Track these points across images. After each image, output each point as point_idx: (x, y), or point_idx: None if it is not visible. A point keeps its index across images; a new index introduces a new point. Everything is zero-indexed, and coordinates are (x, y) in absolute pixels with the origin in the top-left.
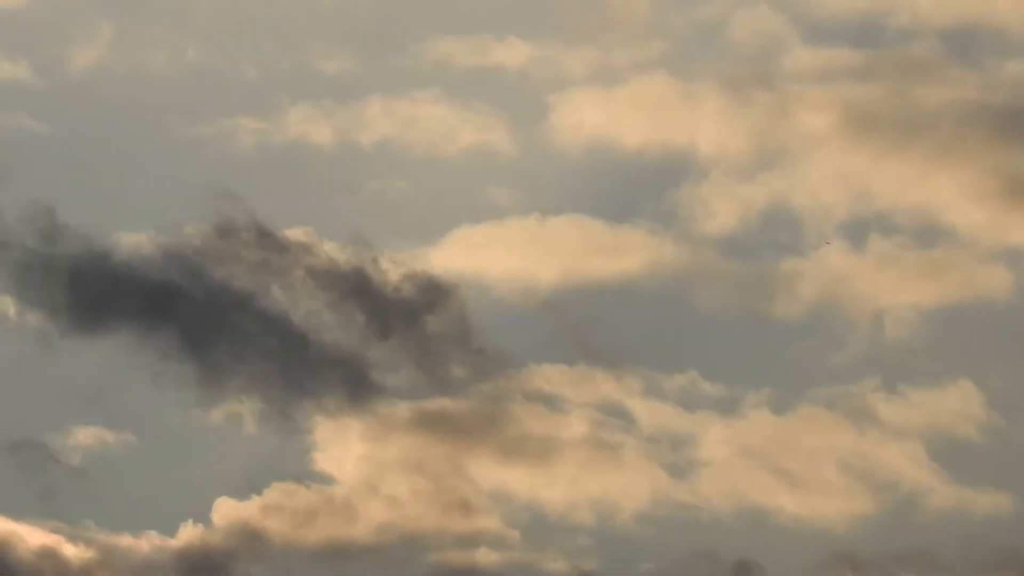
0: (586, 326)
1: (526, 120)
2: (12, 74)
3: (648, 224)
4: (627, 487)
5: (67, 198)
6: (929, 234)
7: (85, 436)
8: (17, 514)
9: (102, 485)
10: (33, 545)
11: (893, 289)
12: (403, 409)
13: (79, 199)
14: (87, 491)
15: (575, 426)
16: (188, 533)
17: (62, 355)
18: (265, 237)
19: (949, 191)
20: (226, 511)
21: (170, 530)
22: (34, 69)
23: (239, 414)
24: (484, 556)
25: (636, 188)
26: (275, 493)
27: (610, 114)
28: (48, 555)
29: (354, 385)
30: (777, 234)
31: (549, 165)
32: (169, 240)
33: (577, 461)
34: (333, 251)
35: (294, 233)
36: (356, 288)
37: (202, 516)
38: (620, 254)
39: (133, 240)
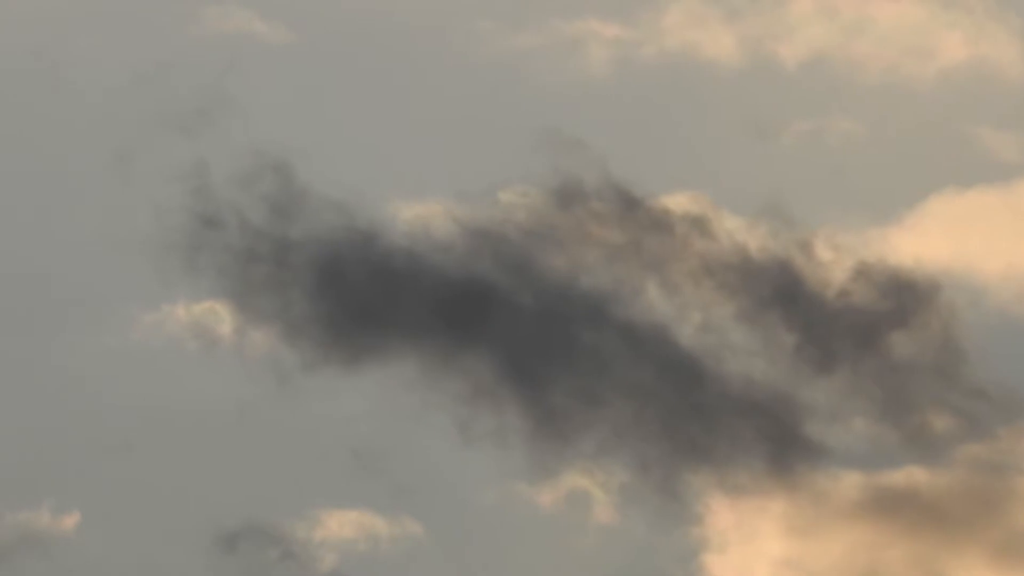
0: None
1: None
2: None
3: None
4: None
5: (313, 147)
6: None
7: (341, 524)
8: None
9: None
10: None
11: None
12: (852, 484)
13: (331, 148)
14: None
15: None
16: None
17: (306, 397)
18: (629, 208)
19: None
20: None
21: None
22: None
23: (586, 492)
24: None
25: None
26: None
27: None
28: None
29: (775, 446)
30: None
31: None
32: (474, 213)
33: None
34: (738, 230)
35: (676, 201)
36: (778, 290)
37: None
38: None
39: (417, 213)
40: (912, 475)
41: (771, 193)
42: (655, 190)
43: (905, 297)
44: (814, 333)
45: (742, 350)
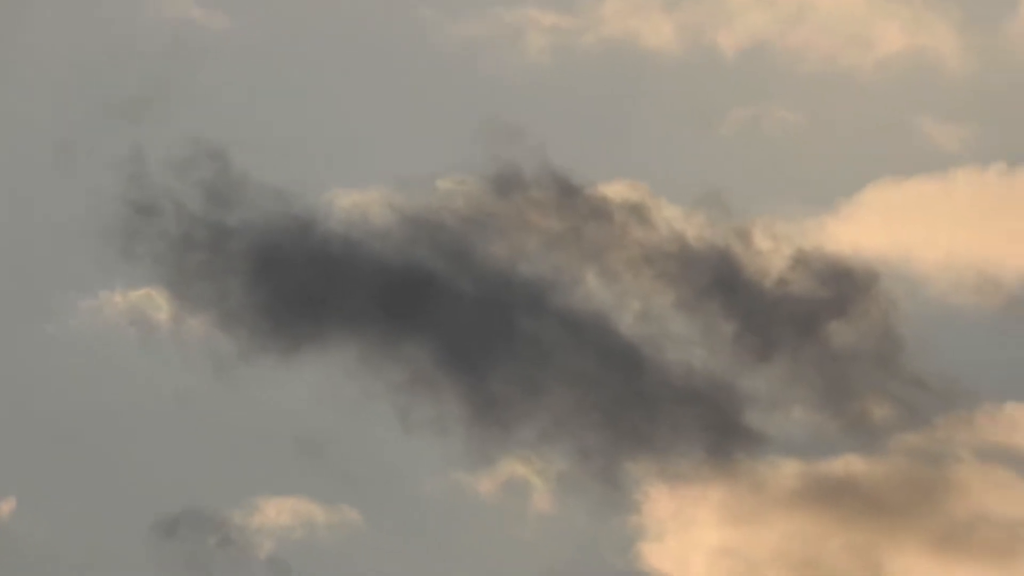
0: None
1: (984, 18)
2: None
3: None
4: None
5: (249, 135)
6: None
7: (279, 511)
8: None
9: None
10: None
11: None
12: (791, 472)
13: (269, 136)
14: None
15: None
16: None
17: (244, 385)
18: (568, 196)
19: None
20: None
21: None
22: None
23: (525, 481)
24: None
25: None
26: None
27: None
28: None
29: (714, 434)
30: None
31: (1020, 88)
32: (413, 201)
33: None
34: (676, 219)
35: (615, 189)
36: (717, 279)
37: None
38: None
39: (355, 201)
40: (850, 464)
41: (710, 182)
42: (594, 178)
43: (843, 286)
44: (753, 322)
45: (681, 339)
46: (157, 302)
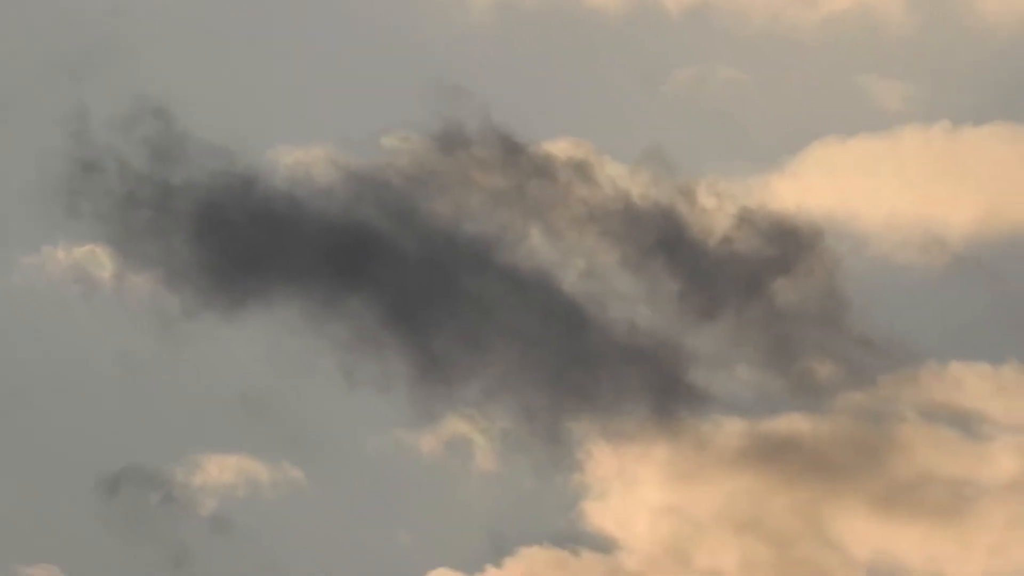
0: None
1: None
2: None
3: None
4: None
5: (193, 93)
6: None
7: (222, 469)
8: None
9: (250, 547)
10: None
11: None
12: (735, 431)
13: (213, 94)
14: (226, 556)
15: (1003, 462)
16: None
17: (187, 343)
18: (512, 154)
19: None
20: None
21: None
22: None
23: (468, 439)
24: None
25: None
26: (522, 564)
27: None
28: None
29: (659, 393)
30: None
31: (964, 47)
32: (357, 159)
33: (1006, 518)
34: (620, 177)
35: (559, 147)
36: (661, 237)
37: None
38: None
39: (299, 159)
40: (794, 423)
41: (654, 140)
42: (538, 136)
43: (788, 244)
44: (697, 280)
45: (626, 297)
46: (101, 259)
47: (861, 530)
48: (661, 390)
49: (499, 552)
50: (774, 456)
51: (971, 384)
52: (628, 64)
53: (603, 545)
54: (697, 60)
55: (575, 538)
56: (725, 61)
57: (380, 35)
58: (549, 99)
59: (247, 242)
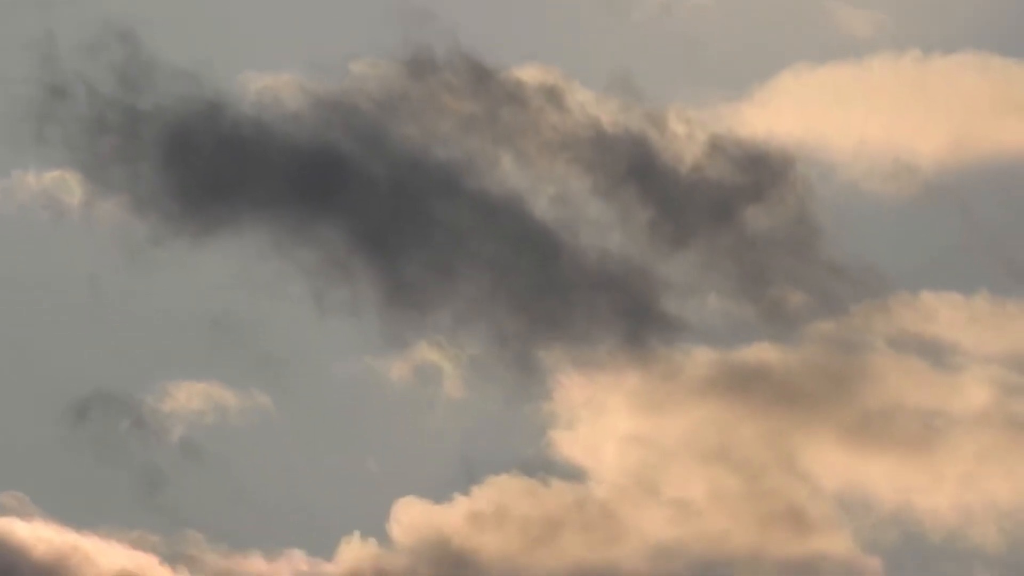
0: (995, 228)
1: None
2: None
3: None
4: None
5: (161, 18)
6: None
7: (191, 396)
8: (87, 520)
9: (218, 474)
10: (109, 569)
11: None
12: (703, 360)
13: (180, 18)
14: (195, 483)
15: (974, 393)
16: (353, 553)
17: (156, 269)
18: (481, 81)
19: None
20: (413, 520)
21: (326, 549)
22: None
23: (437, 366)
24: None
25: None
26: (491, 492)
27: None
28: None
29: (627, 321)
30: None
31: None
32: (325, 84)
33: (976, 449)
34: (591, 104)
35: (529, 74)
36: (632, 164)
37: (375, 528)
38: None
39: (267, 84)
40: (765, 352)
41: (623, 66)
42: (507, 61)
43: (759, 171)
44: (668, 208)
45: (597, 224)
46: (70, 185)
47: (830, 460)
48: (632, 318)
49: (468, 480)
50: (744, 386)
51: (942, 314)
52: None
53: (572, 474)
54: None
55: (544, 467)
56: None
57: None
58: (517, 23)
59: (216, 168)
